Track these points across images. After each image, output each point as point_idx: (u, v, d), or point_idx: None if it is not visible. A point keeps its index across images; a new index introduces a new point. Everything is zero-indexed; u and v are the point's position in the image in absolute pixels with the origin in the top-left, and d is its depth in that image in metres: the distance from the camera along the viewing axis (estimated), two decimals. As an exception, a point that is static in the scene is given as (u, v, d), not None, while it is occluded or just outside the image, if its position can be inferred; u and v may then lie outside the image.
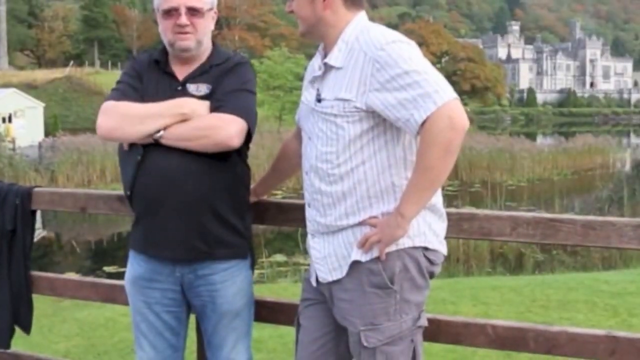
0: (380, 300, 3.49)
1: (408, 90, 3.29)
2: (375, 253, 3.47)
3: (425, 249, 3.56)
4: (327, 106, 3.51)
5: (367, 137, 3.46)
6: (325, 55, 3.66)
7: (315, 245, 3.71)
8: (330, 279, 3.62)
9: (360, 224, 3.52)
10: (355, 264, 3.52)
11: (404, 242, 3.48)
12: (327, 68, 3.57)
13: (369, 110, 3.41)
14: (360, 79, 3.41)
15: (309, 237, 3.78)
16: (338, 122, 3.47)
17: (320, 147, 3.55)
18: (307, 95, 3.70)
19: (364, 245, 3.47)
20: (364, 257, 3.49)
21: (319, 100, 3.57)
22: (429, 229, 3.57)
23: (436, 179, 3.35)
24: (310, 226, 3.73)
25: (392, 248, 3.47)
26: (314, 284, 3.79)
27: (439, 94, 3.26)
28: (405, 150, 3.51)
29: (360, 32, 3.52)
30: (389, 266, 3.47)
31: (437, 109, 3.23)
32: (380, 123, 3.45)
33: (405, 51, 3.38)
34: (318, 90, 3.60)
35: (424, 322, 3.65)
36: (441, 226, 3.69)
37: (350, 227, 3.54)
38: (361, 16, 3.63)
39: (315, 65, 3.72)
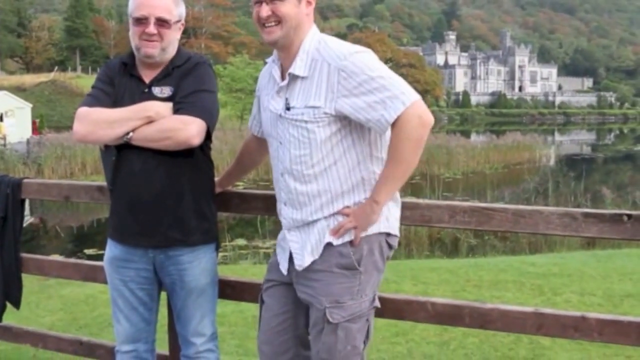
0: (346, 280, 3.52)
1: (376, 94, 3.32)
2: (347, 238, 3.50)
3: (388, 234, 3.61)
4: (298, 113, 3.49)
5: (336, 138, 3.47)
6: (281, 66, 3.65)
7: (293, 238, 3.69)
8: (306, 264, 3.61)
9: (334, 214, 3.54)
10: (327, 247, 3.53)
11: (372, 229, 3.53)
12: (292, 78, 3.54)
13: (338, 114, 3.42)
14: (328, 87, 3.41)
15: (285, 232, 3.76)
16: (309, 128, 3.46)
17: (293, 150, 3.54)
18: (275, 104, 3.65)
19: (337, 232, 3.50)
20: (336, 242, 3.51)
21: (288, 108, 3.55)
22: (390, 215, 3.62)
23: (408, 170, 3.42)
24: (286, 223, 3.73)
25: (362, 234, 3.50)
26: (284, 272, 3.77)
27: (405, 95, 3.31)
28: (371, 146, 3.54)
29: (318, 43, 3.52)
30: (357, 250, 3.51)
31: (405, 108, 3.29)
32: (347, 125, 3.47)
33: (367, 59, 3.41)
34: (287, 99, 3.57)
35: (377, 303, 3.69)
36: (398, 211, 3.73)
37: (324, 218, 3.56)
38: (315, 28, 3.62)
39: (274, 75, 3.68)
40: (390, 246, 3.65)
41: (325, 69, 3.43)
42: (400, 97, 3.30)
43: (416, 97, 3.34)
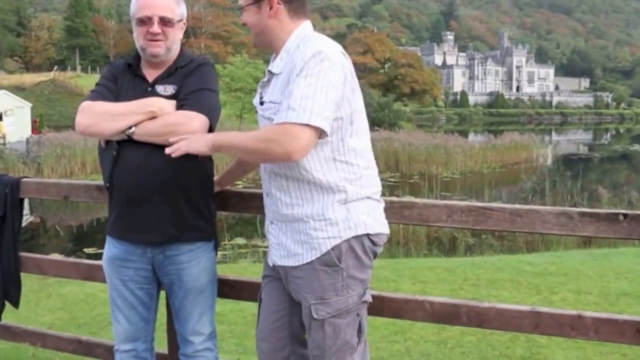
0: (329, 277, 3.49)
1: (291, 96, 3.28)
2: (329, 245, 3.47)
3: (368, 234, 3.56)
4: (265, 108, 3.55)
5: None
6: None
7: (272, 231, 3.70)
8: (279, 263, 3.64)
9: (306, 219, 3.50)
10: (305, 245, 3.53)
11: (348, 234, 3.48)
12: (271, 75, 3.59)
13: None
14: (288, 82, 3.40)
15: (267, 222, 3.77)
16: (269, 124, 3.47)
17: None
18: (257, 98, 3.72)
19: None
20: (313, 255, 3.51)
21: (261, 103, 3.61)
22: (367, 216, 3.56)
23: (243, 150, 3.48)
24: (269, 213, 3.73)
25: (337, 241, 3.47)
26: (270, 264, 3.79)
27: (305, 115, 3.22)
28: (334, 151, 3.47)
29: (301, 40, 3.51)
30: (336, 247, 3.48)
31: (292, 125, 3.22)
32: None
33: (318, 65, 3.32)
34: (261, 94, 3.64)
35: (368, 297, 3.65)
36: (379, 208, 3.68)
37: (296, 220, 3.53)
38: (305, 25, 3.60)
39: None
40: (374, 243, 3.61)
41: (292, 65, 3.42)
42: (302, 114, 3.23)
43: (315, 123, 3.24)
